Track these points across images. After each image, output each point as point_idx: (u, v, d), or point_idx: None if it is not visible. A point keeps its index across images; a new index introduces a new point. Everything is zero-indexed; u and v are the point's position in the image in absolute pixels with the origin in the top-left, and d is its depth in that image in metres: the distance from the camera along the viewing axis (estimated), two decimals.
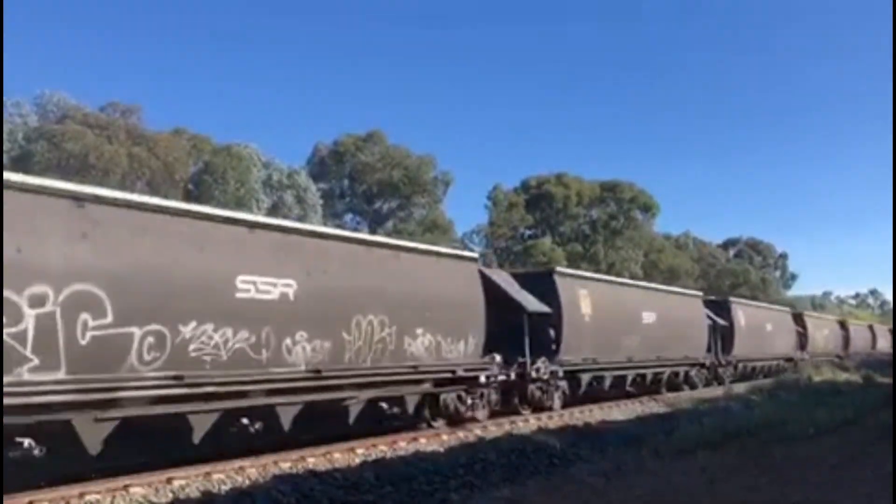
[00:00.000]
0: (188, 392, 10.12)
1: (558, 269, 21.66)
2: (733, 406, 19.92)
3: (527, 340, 18.15)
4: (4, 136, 31.05)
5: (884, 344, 58.58)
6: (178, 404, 10.10)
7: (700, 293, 32.04)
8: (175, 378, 9.84)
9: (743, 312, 32.49)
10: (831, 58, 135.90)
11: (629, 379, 22.63)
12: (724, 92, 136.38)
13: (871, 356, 51.78)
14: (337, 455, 12.25)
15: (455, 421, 15.71)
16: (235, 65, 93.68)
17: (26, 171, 28.63)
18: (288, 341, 11.42)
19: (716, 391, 26.34)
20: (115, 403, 9.41)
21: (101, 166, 30.95)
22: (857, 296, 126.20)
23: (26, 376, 8.42)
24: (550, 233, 52.64)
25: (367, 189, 46.81)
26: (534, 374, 18.14)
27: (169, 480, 10.04)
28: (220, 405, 10.62)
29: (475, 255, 19.36)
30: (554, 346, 18.92)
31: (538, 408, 18.64)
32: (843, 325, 53.44)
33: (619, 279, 28.12)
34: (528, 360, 18.08)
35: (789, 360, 37.63)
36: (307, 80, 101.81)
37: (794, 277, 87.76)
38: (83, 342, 8.89)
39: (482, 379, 16.36)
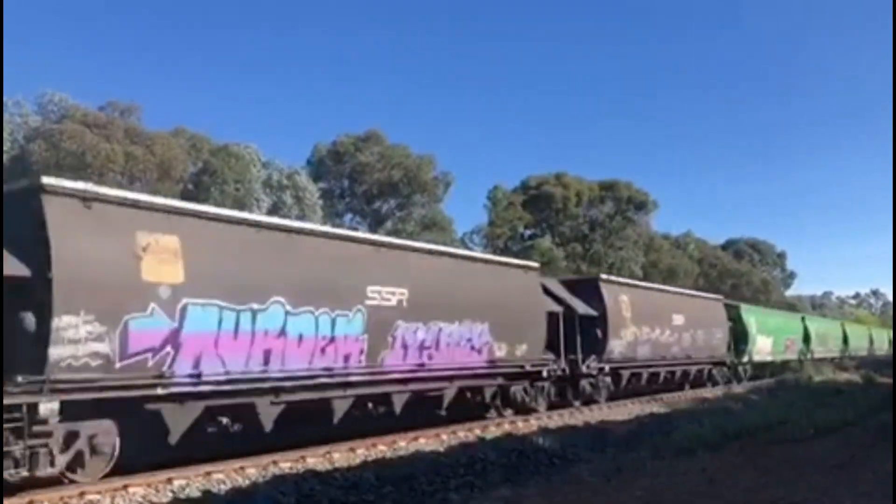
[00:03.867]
0: None
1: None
2: (733, 406, 19.93)
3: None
4: (5, 135, 31.01)
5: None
6: None
7: (534, 263, 20.26)
8: None
9: (627, 298, 22.70)
10: (832, 57, 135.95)
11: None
12: (725, 93, 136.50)
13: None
14: (337, 455, 12.26)
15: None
16: (235, 65, 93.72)
17: (24, 171, 28.70)
18: None
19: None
20: None
21: (97, 165, 30.90)
22: (857, 296, 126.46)
23: None
24: (550, 232, 52.57)
25: (366, 189, 46.74)
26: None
27: (169, 480, 10.04)
28: None
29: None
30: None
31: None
32: (803, 320, 43.91)
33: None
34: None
35: (720, 364, 30.32)
36: (307, 80, 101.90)
37: (792, 276, 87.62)
38: None
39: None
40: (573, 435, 14.99)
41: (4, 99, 31.13)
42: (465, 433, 15.06)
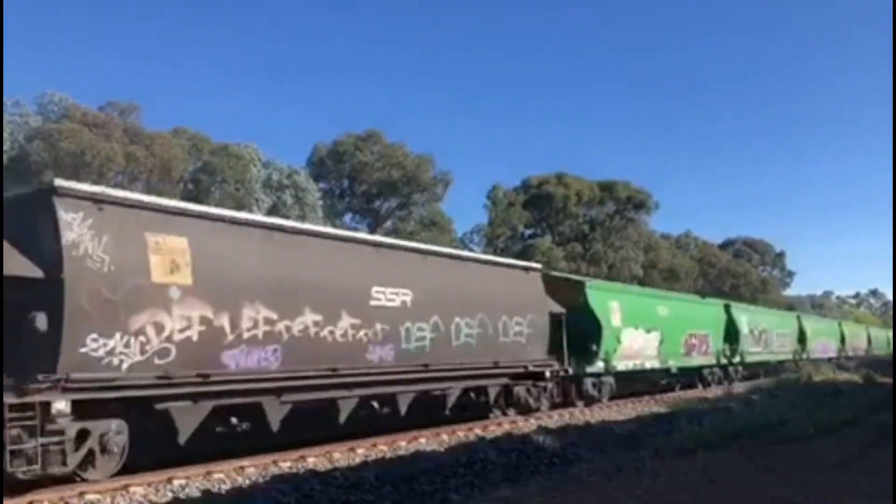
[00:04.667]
0: None
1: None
2: (734, 406, 19.92)
3: None
4: (5, 135, 31.01)
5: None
6: None
7: None
8: None
9: (189, 243, 10.90)
10: (832, 56, 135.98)
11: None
12: (725, 93, 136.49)
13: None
14: (337, 455, 12.27)
15: None
16: (235, 65, 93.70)
17: (23, 170, 28.70)
18: None
19: None
20: None
21: (96, 165, 30.90)
22: (857, 295, 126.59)
23: None
24: (550, 232, 52.68)
25: (366, 189, 46.78)
26: None
27: (169, 480, 10.05)
28: None
29: None
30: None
31: None
32: (727, 309, 31.32)
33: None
34: None
35: (531, 377, 18.39)
36: (307, 80, 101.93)
37: (791, 275, 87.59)
38: None
39: None
40: (573, 435, 14.99)
41: (4, 99, 31.12)
42: (465, 433, 15.07)
